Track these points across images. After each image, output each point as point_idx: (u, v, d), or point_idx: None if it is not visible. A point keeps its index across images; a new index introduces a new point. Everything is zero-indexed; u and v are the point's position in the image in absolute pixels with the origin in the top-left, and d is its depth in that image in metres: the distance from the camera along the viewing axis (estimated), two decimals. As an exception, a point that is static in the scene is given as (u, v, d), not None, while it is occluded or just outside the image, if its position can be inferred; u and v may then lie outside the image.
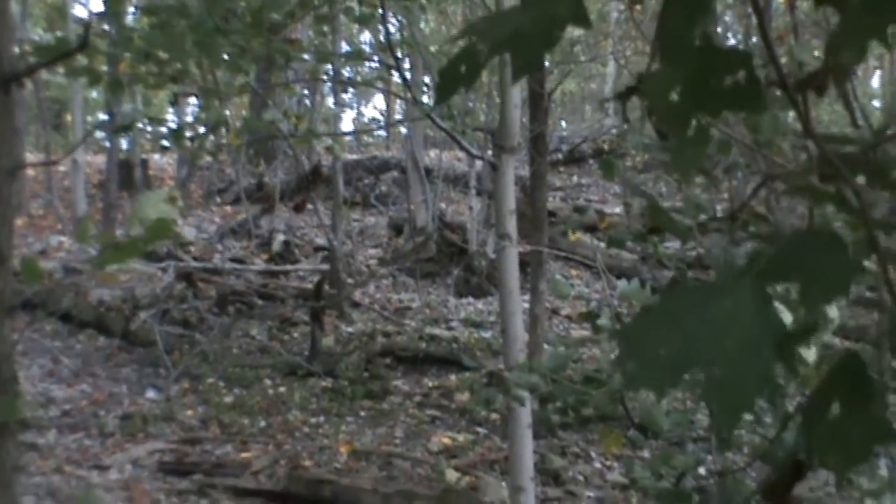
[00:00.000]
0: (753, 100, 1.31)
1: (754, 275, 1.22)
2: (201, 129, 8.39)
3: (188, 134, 8.01)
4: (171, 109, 16.66)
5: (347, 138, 22.63)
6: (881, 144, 2.11)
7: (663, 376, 1.13)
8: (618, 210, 18.58)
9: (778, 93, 1.47)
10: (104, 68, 8.07)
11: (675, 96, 1.32)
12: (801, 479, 2.19)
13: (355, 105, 32.52)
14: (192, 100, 13.45)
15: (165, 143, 8.08)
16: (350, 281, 15.10)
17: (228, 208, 20.40)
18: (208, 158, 17.14)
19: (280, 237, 17.38)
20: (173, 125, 8.36)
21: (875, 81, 23.97)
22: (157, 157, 22.63)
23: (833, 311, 4.27)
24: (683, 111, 1.34)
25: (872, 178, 1.60)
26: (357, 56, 9.20)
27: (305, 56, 8.94)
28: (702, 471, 5.71)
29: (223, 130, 8.89)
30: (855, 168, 1.57)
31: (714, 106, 1.34)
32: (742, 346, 1.13)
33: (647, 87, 1.36)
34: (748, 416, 4.80)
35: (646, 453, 8.22)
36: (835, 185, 1.57)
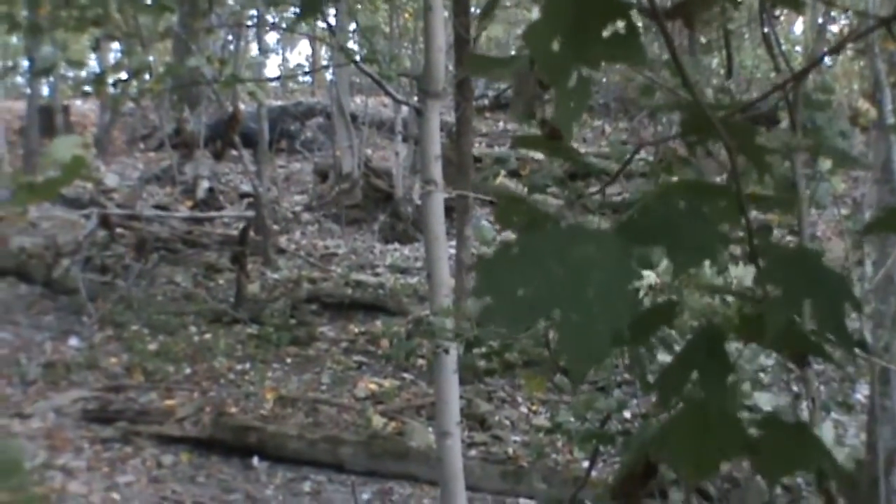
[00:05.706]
0: (632, 50, 1.32)
1: (618, 226, 1.23)
2: (123, 75, 8.29)
3: (110, 79, 7.91)
4: (92, 54, 16.38)
5: (272, 84, 22.41)
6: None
7: (520, 315, 1.12)
8: (540, 156, 18.59)
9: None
10: (24, 14, 7.94)
11: (556, 47, 1.31)
12: (652, 478, 2.24)
13: (280, 50, 32.21)
14: (115, 45, 13.27)
15: (87, 88, 7.96)
16: (275, 227, 15.03)
17: (152, 155, 20.17)
18: (131, 104, 16.94)
19: (204, 184, 17.25)
20: (95, 70, 8.26)
21: (798, 27, 24.18)
22: (78, 102, 22.21)
23: (739, 270, 4.32)
24: (564, 62, 1.34)
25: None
26: (281, 0, 9.12)
27: (229, 0, 8.85)
28: (626, 414, 5.81)
29: (146, 76, 8.78)
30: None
31: (594, 56, 1.35)
32: (600, 293, 1.13)
33: (528, 37, 1.36)
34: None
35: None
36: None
